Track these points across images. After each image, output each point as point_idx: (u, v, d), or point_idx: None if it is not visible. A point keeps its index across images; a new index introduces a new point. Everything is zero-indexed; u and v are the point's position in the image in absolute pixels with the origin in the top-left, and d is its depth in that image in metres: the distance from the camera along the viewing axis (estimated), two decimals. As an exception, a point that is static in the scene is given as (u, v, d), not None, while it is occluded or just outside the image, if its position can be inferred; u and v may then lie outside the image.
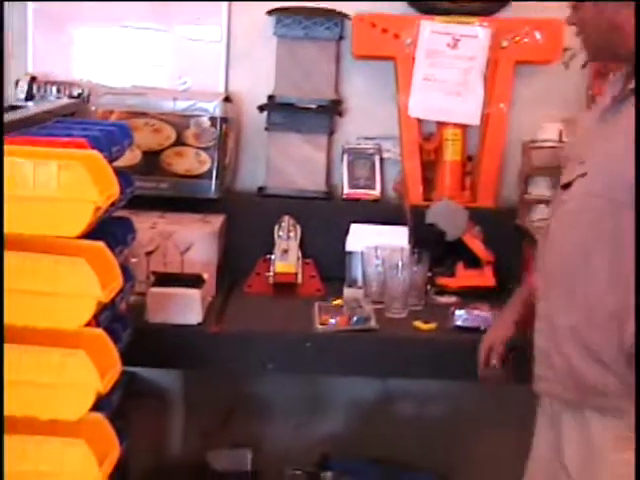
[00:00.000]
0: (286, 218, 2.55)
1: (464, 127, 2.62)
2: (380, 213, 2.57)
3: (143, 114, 2.54)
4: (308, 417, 2.76)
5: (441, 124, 2.63)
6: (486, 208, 2.61)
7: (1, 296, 1.62)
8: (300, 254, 2.49)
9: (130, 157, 2.44)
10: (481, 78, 2.58)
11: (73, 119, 2.14)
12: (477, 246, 2.47)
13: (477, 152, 2.66)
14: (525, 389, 1.92)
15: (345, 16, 2.62)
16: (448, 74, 2.58)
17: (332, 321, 2.16)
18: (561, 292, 1.74)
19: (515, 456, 2.69)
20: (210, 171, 2.55)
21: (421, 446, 2.65)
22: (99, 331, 1.73)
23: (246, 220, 2.58)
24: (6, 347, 1.64)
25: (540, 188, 2.53)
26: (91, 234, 1.72)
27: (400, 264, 2.28)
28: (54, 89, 2.54)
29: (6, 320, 1.64)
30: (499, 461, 2.70)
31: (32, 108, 2.27)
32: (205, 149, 2.55)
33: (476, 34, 2.56)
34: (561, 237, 1.75)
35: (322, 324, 2.15)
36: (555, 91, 2.64)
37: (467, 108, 2.59)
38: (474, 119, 2.60)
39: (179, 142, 2.55)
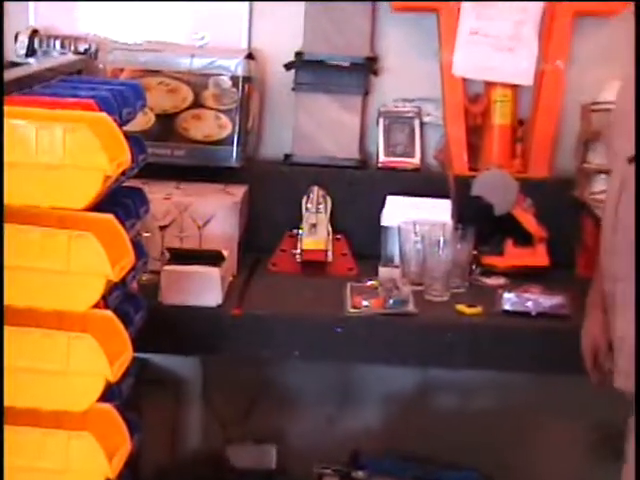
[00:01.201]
0: (315, 189, 2.54)
1: (515, 87, 2.59)
2: (420, 184, 2.56)
3: (157, 72, 2.53)
4: (338, 410, 2.76)
5: (489, 84, 2.60)
6: (539, 179, 2.58)
7: (1, 280, 1.63)
8: (330, 229, 2.48)
9: (143, 120, 2.45)
10: (535, 32, 2.55)
11: (79, 77, 2.14)
12: (528, 221, 2.45)
13: (530, 115, 2.63)
14: (582, 379, 1.91)
15: (382, -37, 2.60)
16: (498, 27, 2.55)
17: (365, 304, 2.15)
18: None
19: (570, 455, 2.70)
20: (231, 136, 2.54)
21: (463, 443, 2.64)
22: (108, 313, 1.74)
23: (271, 191, 2.58)
24: (6, 330, 1.65)
25: (601, 156, 2.49)
26: (100, 206, 1.72)
27: (442, 241, 2.26)
28: (58, 44, 2.54)
29: (6, 301, 1.65)
30: (550, 460, 2.70)
31: (34, 65, 2.27)
32: (226, 112, 2.54)
33: (530, -18, 2.54)
34: (631, 220, 1.73)
35: (354, 307, 2.15)
36: (619, 46, 2.59)
37: (519, 66, 2.56)
38: (527, 78, 2.57)
39: (197, 104, 2.54)
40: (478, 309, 2.18)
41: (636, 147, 1.68)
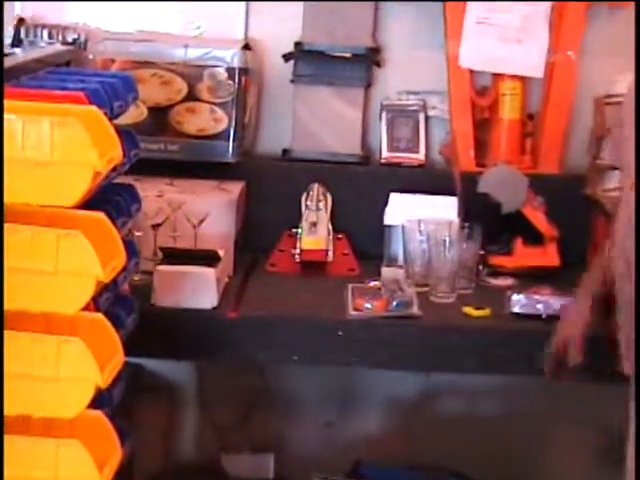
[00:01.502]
0: (315, 186, 2.54)
1: (524, 80, 2.59)
2: (424, 181, 2.56)
3: (149, 64, 2.53)
4: (339, 416, 2.76)
5: (497, 76, 2.60)
6: (550, 175, 2.58)
7: (1, 281, 1.63)
8: (331, 228, 2.47)
9: (135, 114, 2.45)
10: (546, 21, 2.55)
11: (68, 69, 2.14)
12: (538, 219, 2.45)
13: (540, 109, 2.63)
14: (593, 384, 1.90)
15: (385, -52, 2.60)
16: (506, 17, 2.55)
17: (368, 306, 2.15)
18: None
19: (579, 461, 2.70)
20: (227, 131, 2.53)
21: (470, 451, 2.64)
22: (98, 316, 1.73)
23: (269, 188, 2.57)
24: (-8, 334, 1.65)
25: (614, 152, 2.49)
26: (89, 203, 1.72)
27: (447, 240, 2.26)
28: (45, 33, 2.54)
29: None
30: (559, 466, 2.71)
31: (20, 56, 2.26)
32: (221, 105, 2.54)
33: (540, -31, 2.54)
34: None
35: (356, 309, 2.15)
36: (633, 37, 2.59)
37: (528, 57, 2.56)
38: (537, 70, 2.57)
39: (191, 97, 2.54)
40: (486, 311, 2.18)
41: (636, 146, 1.67)
